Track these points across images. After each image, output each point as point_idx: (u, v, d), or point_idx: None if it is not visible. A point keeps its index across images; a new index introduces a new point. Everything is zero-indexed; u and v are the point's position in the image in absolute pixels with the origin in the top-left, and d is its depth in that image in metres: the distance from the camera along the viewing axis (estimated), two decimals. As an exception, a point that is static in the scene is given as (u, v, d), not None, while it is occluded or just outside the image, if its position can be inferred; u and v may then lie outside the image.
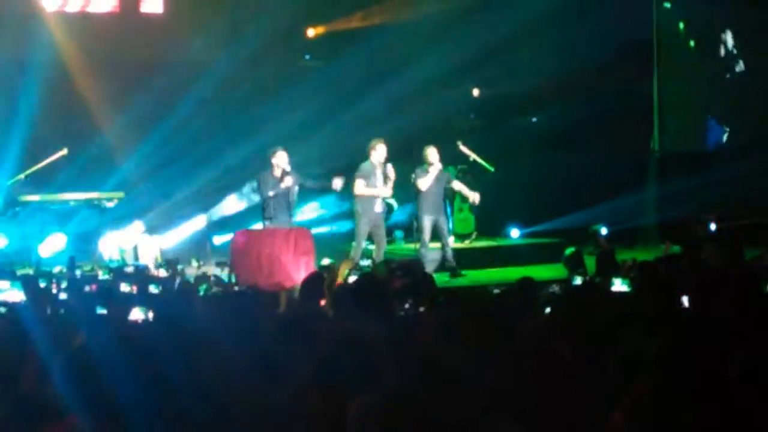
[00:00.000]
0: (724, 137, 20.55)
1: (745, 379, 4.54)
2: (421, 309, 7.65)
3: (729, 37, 20.60)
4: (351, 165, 15.77)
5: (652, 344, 4.77)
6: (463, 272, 15.87)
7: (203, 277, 13.19)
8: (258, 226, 15.64)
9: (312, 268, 13.27)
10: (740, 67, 20.57)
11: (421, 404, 4.25)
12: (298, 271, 13.51)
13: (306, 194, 18.28)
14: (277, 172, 14.98)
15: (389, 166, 15.47)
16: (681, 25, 20.91)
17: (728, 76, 20.59)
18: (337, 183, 15.11)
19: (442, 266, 15.88)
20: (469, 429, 4.18)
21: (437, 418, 4.14)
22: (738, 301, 6.56)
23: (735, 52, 20.61)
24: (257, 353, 5.17)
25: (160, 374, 4.70)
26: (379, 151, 15.48)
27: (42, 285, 10.39)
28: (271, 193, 14.90)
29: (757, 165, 18.10)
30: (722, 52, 20.65)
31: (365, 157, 15.55)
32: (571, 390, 4.54)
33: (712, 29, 20.74)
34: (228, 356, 5.24)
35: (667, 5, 20.60)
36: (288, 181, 14.91)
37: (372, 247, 15.79)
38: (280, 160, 15.03)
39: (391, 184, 15.52)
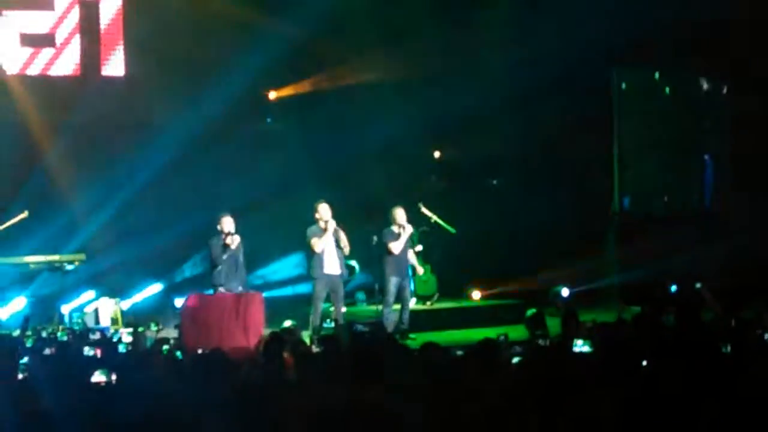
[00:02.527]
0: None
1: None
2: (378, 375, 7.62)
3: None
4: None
5: (608, 407, 4.82)
6: (413, 336, 15.87)
7: (163, 341, 13.13)
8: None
9: (260, 335, 13.13)
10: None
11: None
12: (246, 339, 13.41)
13: (266, 257, 18.36)
14: (226, 238, 15.09)
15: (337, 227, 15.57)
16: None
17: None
18: None
19: (396, 328, 15.88)
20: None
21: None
22: (696, 362, 6.63)
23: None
24: (224, 422, 5.16)
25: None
26: (321, 212, 15.52)
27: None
28: (224, 257, 14.94)
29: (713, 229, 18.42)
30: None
31: (313, 220, 15.60)
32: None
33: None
34: (194, 424, 5.23)
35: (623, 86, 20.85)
36: (233, 242, 14.98)
37: (332, 308, 15.80)
38: (226, 225, 15.11)
39: (346, 244, 15.59)
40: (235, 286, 15.08)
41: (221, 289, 14.94)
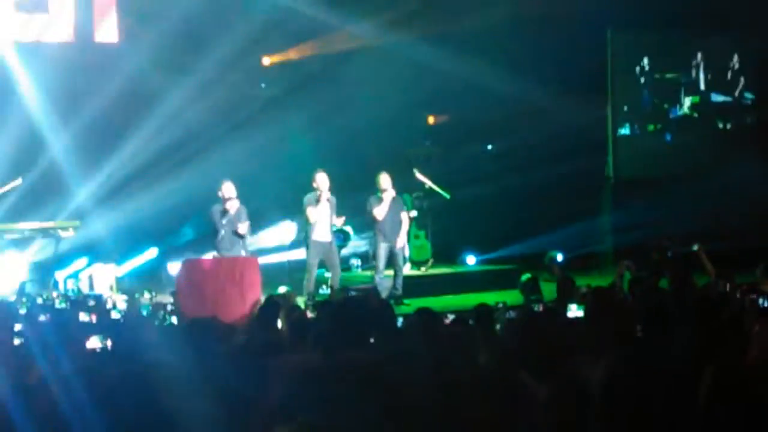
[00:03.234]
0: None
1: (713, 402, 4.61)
2: (372, 339, 7.62)
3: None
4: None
5: (598, 371, 4.83)
6: (407, 301, 15.89)
7: (159, 306, 13.14)
8: (210, 255, 15.66)
9: (257, 300, 13.12)
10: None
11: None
12: (242, 304, 13.39)
13: (263, 222, 18.34)
14: (226, 204, 15.10)
15: (339, 218, 15.63)
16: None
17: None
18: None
19: (390, 294, 15.89)
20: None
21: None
22: (692, 327, 6.64)
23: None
24: (218, 387, 5.16)
25: (120, 406, 4.70)
26: (319, 181, 15.50)
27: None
28: (224, 222, 14.95)
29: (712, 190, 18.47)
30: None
31: (310, 188, 15.58)
32: (530, 416, 4.58)
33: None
34: (188, 389, 5.23)
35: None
36: (232, 207, 14.99)
37: (328, 274, 15.82)
38: (227, 191, 15.10)
39: (340, 220, 15.65)
40: (237, 251, 15.10)
41: (225, 254, 14.95)
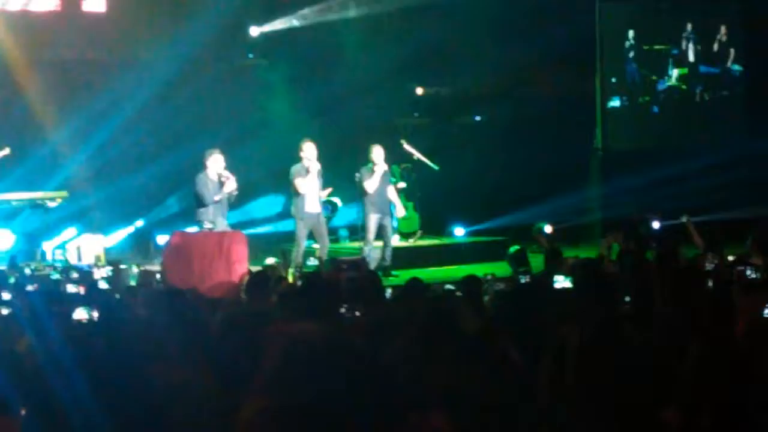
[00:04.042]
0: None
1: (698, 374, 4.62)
2: (359, 310, 7.63)
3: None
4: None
5: (575, 336, 4.84)
6: (395, 273, 15.91)
7: (148, 274, 13.16)
8: (192, 229, 15.52)
9: (244, 273, 13.08)
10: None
11: (350, 400, 4.28)
12: (229, 277, 13.38)
13: (251, 194, 18.31)
14: (213, 176, 14.94)
15: (325, 190, 15.61)
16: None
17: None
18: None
19: (378, 266, 15.89)
20: (394, 425, 4.23)
21: (363, 415, 4.17)
22: (678, 299, 6.65)
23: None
24: (205, 357, 5.17)
25: (106, 376, 4.70)
26: (307, 151, 15.47)
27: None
28: (216, 198, 14.83)
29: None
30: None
31: (297, 158, 15.56)
32: (515, 388, 4.60)
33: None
34: (173, 359, 5.24)
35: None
36: (231, 186, 14.90)
37: (316, 246, 15.82)
38: (216, 163, 14.98)
39: (326, 192, 15.64)
40: (221, 223, 15.00)
41: (208, 226, 14.84)
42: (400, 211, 16.86)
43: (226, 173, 14.92)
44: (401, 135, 19.73)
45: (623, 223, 15.73)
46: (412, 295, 7.68)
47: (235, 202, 15.38)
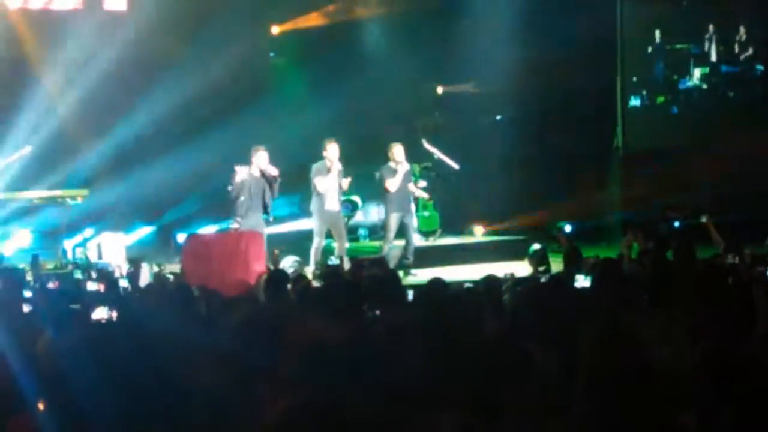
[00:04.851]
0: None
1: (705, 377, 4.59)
2: (379, 309, 7.63)
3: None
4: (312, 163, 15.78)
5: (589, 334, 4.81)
6: (413, 271, 15.88)
7: (160, 276, 13.17)
8: (211, 228, 15.51)
9: (262, 273, 13.09)
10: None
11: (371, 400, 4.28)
12: (247, 277, 13.39)
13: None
14: (256, 172, 14.96)
15: (345, 179, 15.58)
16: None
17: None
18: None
19: (399, 264, 15.87)
20: (414, 425, 4.22)
21: (383, 415, 4.17)
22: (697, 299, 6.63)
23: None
24: (225, 354, 5.16)
25: (127, 376, 4.70)
26: (330, 151, 15.50)
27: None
28: (240, 198, 14.87)
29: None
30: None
31: (320, 157, 15.58)
32: (537, 388, 4.58)
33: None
34: (195, 357, 5.23)
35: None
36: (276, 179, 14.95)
37: (335, 244, 15.84)
38: (261, 160, 15.02)
39: (346, 182, 15.58)
40: (252, 217, 14.99)
41: (236, 224, 14.86)
42: (425, 195, 16.83)
43: (272, 168, 14.96)
44: (422, 134, 19.71)
45: (643, 223, 15.70)
46: (433, 294, 7.66)
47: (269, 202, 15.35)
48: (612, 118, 21.28)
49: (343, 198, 16.01)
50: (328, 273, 11.74)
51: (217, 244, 14.22)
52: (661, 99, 21.60)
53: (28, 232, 17.45)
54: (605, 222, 19.90)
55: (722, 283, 7.40)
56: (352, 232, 17.89)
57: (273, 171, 14.95)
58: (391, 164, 15.97)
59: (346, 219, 16.44)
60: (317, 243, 15.52)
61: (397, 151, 16.01)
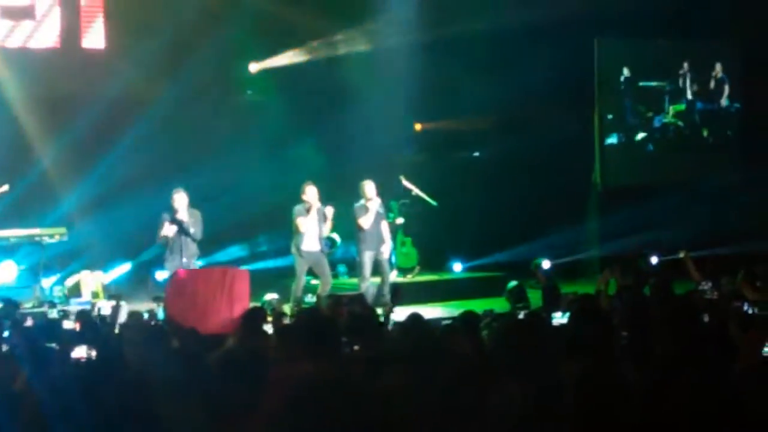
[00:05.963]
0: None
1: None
2: (357, 344, 7.64)
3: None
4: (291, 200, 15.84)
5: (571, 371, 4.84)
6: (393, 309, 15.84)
7: (135, 315, 13.09)
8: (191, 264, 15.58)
9: (245, 309, 13.08)
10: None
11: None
12: (231, 314, 13.38)
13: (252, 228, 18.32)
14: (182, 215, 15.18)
15: (327, 207, 15.60)
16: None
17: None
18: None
19: (377, 301, 15.85)
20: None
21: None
22: (675, 334, 6.66)
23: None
24: (205, 399, 5.15)
25: (105, 416, 4.70)
26: (308, 194, 15.56)
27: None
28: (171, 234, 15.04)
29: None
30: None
31: (299, 199, 15.63)
32: (515, 421, 4.60)
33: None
34: (175, 399, 5.23)
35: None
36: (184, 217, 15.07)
37: (315, 282, 15.86)
38: (179, 203, 15.24)
39: (329, 224, 15.63)
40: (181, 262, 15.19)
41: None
42: (387, 248, 16.68)
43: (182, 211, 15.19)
44: (399, 171, 19.74)
45: (621, 259, 15.75)
46: (412, 330, 7.67)
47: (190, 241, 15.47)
48: (590, 155, 21.37)
49: (323, 237, 16.02)
50: (306, 310, 11.75)
51: (202, 280, 14.21)
52: (637, 136, 21.71)
53: (12, 265, 17.35)
54: (583, 258, 19.96)
55: (696, 320, 7.44)
56: (331, 269, 17.87)
57: (185, 216, 15.06)
58: (363, 201, 16.01)
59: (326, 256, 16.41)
60: (298, 281, 15.59)
61: (369, 188, 16.04)
